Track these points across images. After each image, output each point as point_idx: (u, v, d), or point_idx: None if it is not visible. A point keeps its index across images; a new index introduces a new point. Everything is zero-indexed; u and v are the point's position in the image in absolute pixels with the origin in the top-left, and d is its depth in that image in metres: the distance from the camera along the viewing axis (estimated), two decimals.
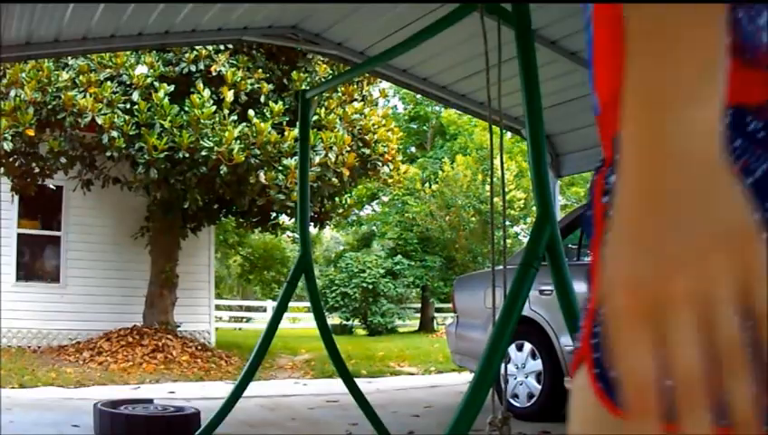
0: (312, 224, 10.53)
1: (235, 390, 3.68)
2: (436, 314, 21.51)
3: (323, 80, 9.04)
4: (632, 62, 0.45)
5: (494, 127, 3.15)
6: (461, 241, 19.04)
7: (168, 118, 8.05)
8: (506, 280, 2.47)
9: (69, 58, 8.22)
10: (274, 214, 10.20)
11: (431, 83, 7.12)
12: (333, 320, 17.96)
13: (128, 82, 8.33)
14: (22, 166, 8.54)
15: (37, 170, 8.62)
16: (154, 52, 8.48)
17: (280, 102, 8.67)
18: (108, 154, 8.22)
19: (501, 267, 2.61)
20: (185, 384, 7.60)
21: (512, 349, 5.08)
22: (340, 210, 10.66)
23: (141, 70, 8.27)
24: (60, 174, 8.78)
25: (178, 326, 10.00)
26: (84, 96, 7.94)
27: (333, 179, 8.90)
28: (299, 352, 10.88)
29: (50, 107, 7.97)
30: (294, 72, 9.12)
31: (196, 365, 8.80)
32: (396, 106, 23.44)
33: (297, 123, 4.79)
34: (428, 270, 19.84)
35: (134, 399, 4.88)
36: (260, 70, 8.93)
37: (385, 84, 10.33)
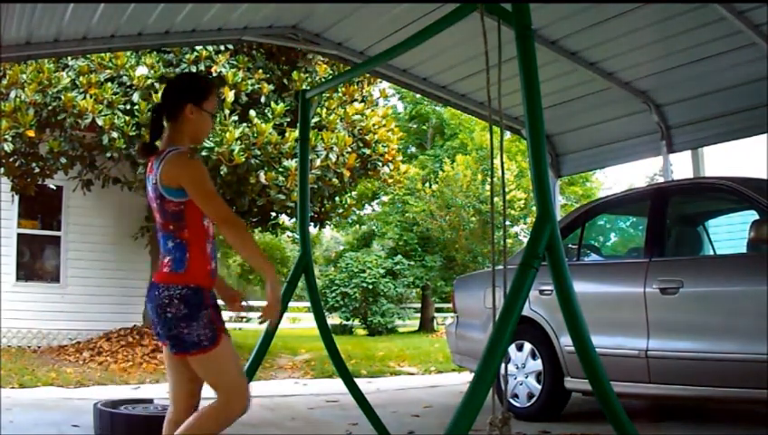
0: (312, 224, 10.53)
1: None
2: (436, 314, 21.51)
3: (323, 80, 9.03)
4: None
5: (494, 127, 3.15)
6: (461, 241, 19.03)
7: None
8: (506, 280, 2.47)
9: (69, 59, 8.21)
10: (274, 214, 10.19)
11: (431, 83, 7.12)
12: (333, 320, 17.96)
13: (128, 83, 8.32)
14: (22, 166, 8.54)
15: (37, 170, 8.61)
16: (154, 53, 8.47)
17: (281, 103, 8.67)
18: (108, 154, 8.22)
19: (501, 267, 2.61)
20: None
21: (512, 349, 5.07)
22: (340, 210, 10.65)
23: (142, 71, 8.26)
24: (60, 174, 8.78)
25: None
26: (84, 97, 7.94)
27: (334, 180, 8.90)
28: (299, 352, 10.87)
29: (50, 108, 7.97)
30: (294, 72, 9.12)
31: None
32: (396, 106, 23.45)
33: (298, 124, 4.78)
34: (428, 270, 19.83)
35: (134, 399, 4.88)
36: (260, 70, 8.93)
37: (385, 84, 10.33)
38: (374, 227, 22.88)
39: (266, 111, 8.67)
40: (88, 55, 7.95)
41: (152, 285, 2.44)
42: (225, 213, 2.45)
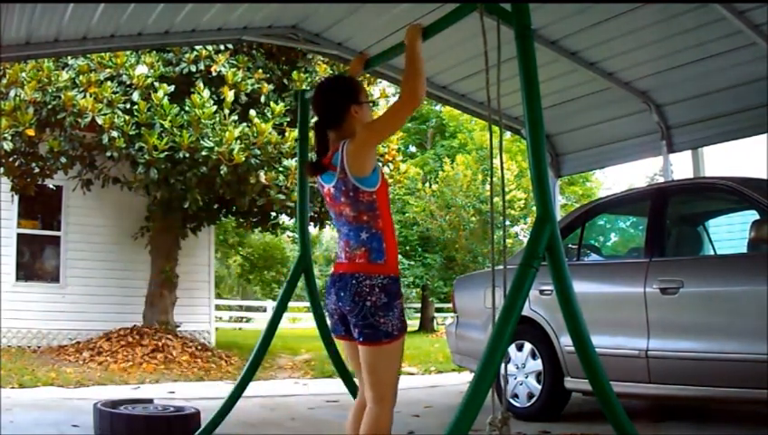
0: (312, 224, 10.53)
1: (234, 390, 3.68)
2: (436, 314, 21.50)
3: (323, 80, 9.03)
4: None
5: (494, 127, 3.15)
6: (461, 241, 19.02)
7: (169, 118, 8.04)
8: (506, 280, 2.47)
9: (69, 58, 8.21)
10: (274, 214, 10.19)
11: (431, 83, 7.11)
12: None
13: (128, 83, 8.32)
14: (22, 166, 8.54)
15: (37, 170, 8.61)
16: (154, 52, 8.47)
17: (281, 103, 8.67)
18: (108, 154, 8.22)
19: (501, 267, 2.61)
20: (185, 384, 7.60)
21: (512, 349, 5.07)
22: None
23: (141, 70, 8.26)
24: (60, 174, 8.78)
25: (178, 326, 10.00)
26: (84, 96, 7.94)
27: None
28: (299, 352, 10.88)
29: (50, 107, 7.97)
30: (294, 72, 9.12)
31: (196, 365, 8.80)
32: None
33: (297, 124, 4.78)
34: (428, 269, 19.82)
35: (134, 399, 4.88)
36: (260, 70, 8.93)
37: (385, 84, 10.32)
38: None
39: (266, 110, 8.67)
40: (88, 55, 7.95)
41: (345, 275, 2.44)
42: (406, 101, 2.48)
